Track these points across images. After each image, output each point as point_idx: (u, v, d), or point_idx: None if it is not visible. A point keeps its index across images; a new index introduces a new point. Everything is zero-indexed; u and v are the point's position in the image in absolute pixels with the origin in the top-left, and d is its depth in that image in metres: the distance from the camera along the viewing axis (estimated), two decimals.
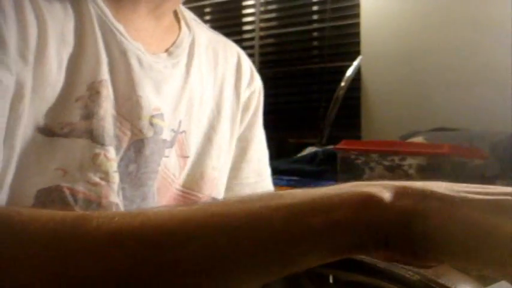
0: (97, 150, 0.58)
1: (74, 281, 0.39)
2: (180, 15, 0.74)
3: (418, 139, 1.61)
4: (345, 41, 2.55)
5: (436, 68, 2.02)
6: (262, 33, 2.84)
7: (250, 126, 0.81)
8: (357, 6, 2.33)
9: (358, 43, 2.28)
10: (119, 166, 0.60)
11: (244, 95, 0.80)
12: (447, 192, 0.38)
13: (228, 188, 0.78)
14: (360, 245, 0.38)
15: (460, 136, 1.65)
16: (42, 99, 0.55)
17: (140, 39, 0.64)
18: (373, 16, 2.23)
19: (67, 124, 0.56)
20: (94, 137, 0.58)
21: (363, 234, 0.37)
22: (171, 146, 0.67)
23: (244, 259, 0.39)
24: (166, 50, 0.69)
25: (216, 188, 0.73)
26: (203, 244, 0.38)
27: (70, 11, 0.59)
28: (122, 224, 0.40)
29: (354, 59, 2.28)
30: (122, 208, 0.61)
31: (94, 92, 0.58)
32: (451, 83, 1.97)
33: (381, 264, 0.73)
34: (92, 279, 0.38)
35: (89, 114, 0.58)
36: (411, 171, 1.25)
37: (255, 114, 0.82)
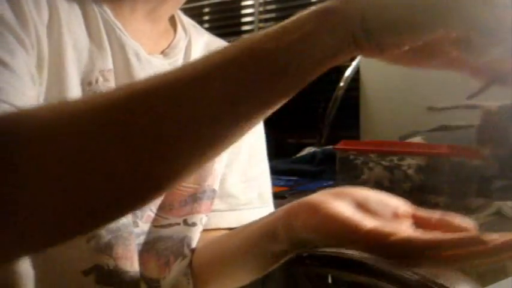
0: None
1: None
2: (177, 20, 0.75)
3: (417, 139, 1.61)
4: None
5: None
6: None
7: None
8: None
9: None
10: None
11: None
12: None
13: (224, 173, 0.77)
14: (335, 49, 0.46)
15: (459, 136, 1.65)
16: (63, 79, 0.58)
17: (137, 40, 0.66)
18: None
19: None
20: None
21: (332, 40, 0.45)
22: None
23: (242, 92, 0.43)
24: (162, 52, 0.71)
25: (215, 179, 0.74)
26: (184, 98, 0.41)
27: (76, 7, 0.63)
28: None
29: (352, 59, 2.28)
30: None
31: (104, 79, 0.62)
32: (450, 83, 1.97)
33: (380, 264, 0.73)
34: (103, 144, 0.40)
35: None
36: (410, 171, 1.25)
37: None
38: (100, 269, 0.59)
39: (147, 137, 0.40)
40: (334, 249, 0.81)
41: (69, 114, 0.40)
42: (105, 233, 0.59)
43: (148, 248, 0.68)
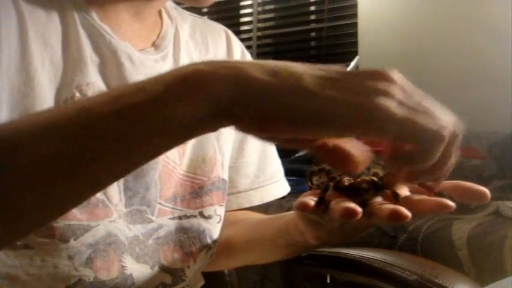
0: None
1: None
2: (161, 7, 0.74)
3: None
4: (343, 41, 2.56)
5: (433, 68, 2.03)
6: (259, 33, 2.85)
7: None
8: (355, 6, 2.33)
9: (355, 43, 2.29)
10: None
11: None
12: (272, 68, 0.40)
13: (235, 166, 0.79)
14: (199, 117, 0.38)
15: None
16: (33, 99, 0.56)
17: (127, 39, 0.65)
18: (371, 16, 2.23)
19: None
20: None
21: (198, 106, 0.38)
22: None
23: (82, 156, 0.39)
24: (153, 44, 0.70)
25: (222, 169, 0.74)
26: (41, 146, 0.39)
27: (55, 17, 0.61)
28: None
29: (351, 59, 2.28)
30: (123, 200, 0.63)
31: (82, 94, 0.60)
32: (448, 84, 1.97)
33: (379, 264, 0.73)
34: None
35: None
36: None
37: None
38: (82, 282, 0.60)
39: None
40: (333, 249, 0.81)
41: None
42: (85, 248, 0.60)
43: (168, 240, 0.69)
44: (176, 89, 0.38)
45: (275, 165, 0.84)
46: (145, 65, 0.66)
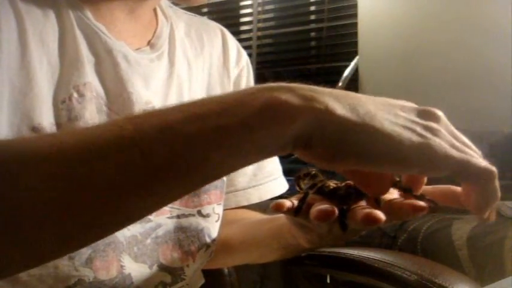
0: None
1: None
2: (156, 6, 0.74)
3: None
4: (342, 41, 2.56)
5: (434, 68, 2.03)
6: (259, 34, 2.85)
7: None
8: (354, 6, 2.33)
9: (355, 43, 2.29)
10: None
11: (233, 72, 0.80)
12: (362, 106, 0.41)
13: None
14: (280, 145, 0.40)
15: None
16: (32, 98, 0.56)
17: (122, 38, 0.65)
18: (371, 16, 2.23)
19: (56, 125, 0.58)
20: None
21: (280, 135, 0.39)
22: None
23: (160, 172, 0.38)
24: (149, 43, 0.70)
25: None
26: (116, 161, 0.38)
27: (52, 16, 0.61)
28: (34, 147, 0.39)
29: (351, 59, 2.28)
30: None
31: (79, 94, 0.60)
32: (449, 83, 1.97)
33: (379, 264, 0.73)
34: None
35: (76, 117, 0.59)
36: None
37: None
38: (82, 282, 0.60)
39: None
40: (333, 249, 0.81)
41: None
42: (85, 248, 0.60)
43: (167, 239, 0.69)
44: (261, 115, 0.39)
45: (273, 163, 0.84)
46: (141, 65, 0.66)
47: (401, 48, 2.12)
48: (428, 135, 0.41)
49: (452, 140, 0.43)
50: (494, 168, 0.44)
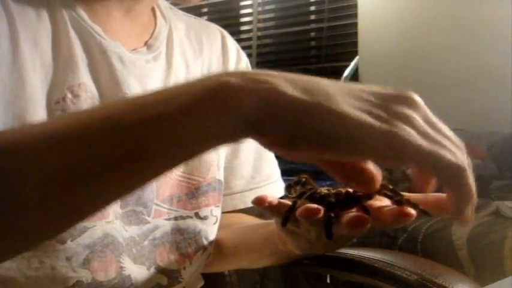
0: None
1: None
2: (155, 7, 0.74)
3: None
4: (343, 41, 2.56)
5: (433, 68, 2.03)
6: (259, 33, 2.85)
7: None
8: (354, 6, 2.33)
9: (355, 43, 2.29)
10: None
11: None
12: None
13: (229, 167, 0.78)
14: (229, 132, 0.38)
15: (458, 136, 1.65)
16: (25, 100, 0.56)
17: (118, 39, 0.65)
18: (371, 16, 2.23)
19: None
20: None
21: (226, 119, 0.37)
22: None
23: (107, 164, 0.38)
24: (146, 43, 0.70)
25: (218, 169, 0.74)
26: (64, 153, 0.38)
27: (45, 17, 0.60)
28: None
29: (351, 59, 2.28)
30: (119, 201, 0.63)
31: (74, 95, 0.60)
32: (449, 83, 1.97)
33: (379, 264, 0.73)
34: None
35: None
36: (409, 171, 1.25)
37: None
38: (80, 283, 0.60)
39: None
40: None
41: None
42: (82, 249, 0.60)
43: (164, 241, 0.68)
44: (205, 101, 0.37)
45: (271, 166, 0.84)
46: (137, 65, 0.66)
47: (401, 48, 2.13)
48: (397, 122, 0.38)
49: (426, 129, 0.39)
50: (465, 165, 0.40)
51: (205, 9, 3.03)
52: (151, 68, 0.68)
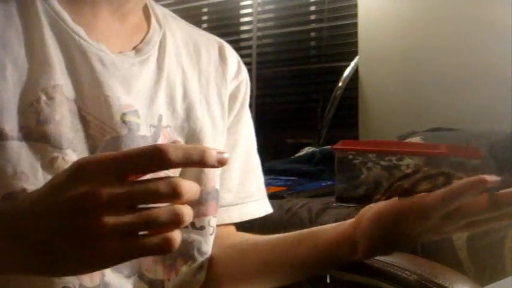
0: (55, 154, 0.59)
1: None
2: (151, 12, 0.74)
3: (416, 139, 1.61)
4: (343, 41, 2.56)
5: (434, 68, 2.03)
6: (259, 34, 2.84)
7: (239, 118, 0.81)
8: (354, 6, 2.33)
9: (355, 43, 2.29)
10: None
11: (231, 85, 0.79)
12: None
13: (221, 179, 0.77)
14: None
15: (458, 136, 1.65)
16: None
17: (104, 40, 0.64)
18: (371, 16, 2.23)
19: (22, 128, 0.58)
20: (52, 142, 0.59)
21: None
22: (155, 141, 0.66)
23: None
24: (134, 48, 0.69)
25: (216, 179, 0.73)
26: None
27: (15, 17, 0.60)
28: None
29: (351, 59, 2.28)
30: None
31: (48, 97, 0.59)
32: (449, 83, 1.97)
33: (378, 264, 0.73)
34: None
35: (46, 120, 0.59)
36: (409, 171, 1.25)
37: (242, 105, 0.81)
38: None
39: None
40: None
41: None
42: None
43: None
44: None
45: (256, 182, 0.82)
46: (119, 68, 0.65)
47: (401, 48, 2.13)
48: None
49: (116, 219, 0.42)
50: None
51: (205, 9, 3.03)
52: (136, 71, 0.67)
